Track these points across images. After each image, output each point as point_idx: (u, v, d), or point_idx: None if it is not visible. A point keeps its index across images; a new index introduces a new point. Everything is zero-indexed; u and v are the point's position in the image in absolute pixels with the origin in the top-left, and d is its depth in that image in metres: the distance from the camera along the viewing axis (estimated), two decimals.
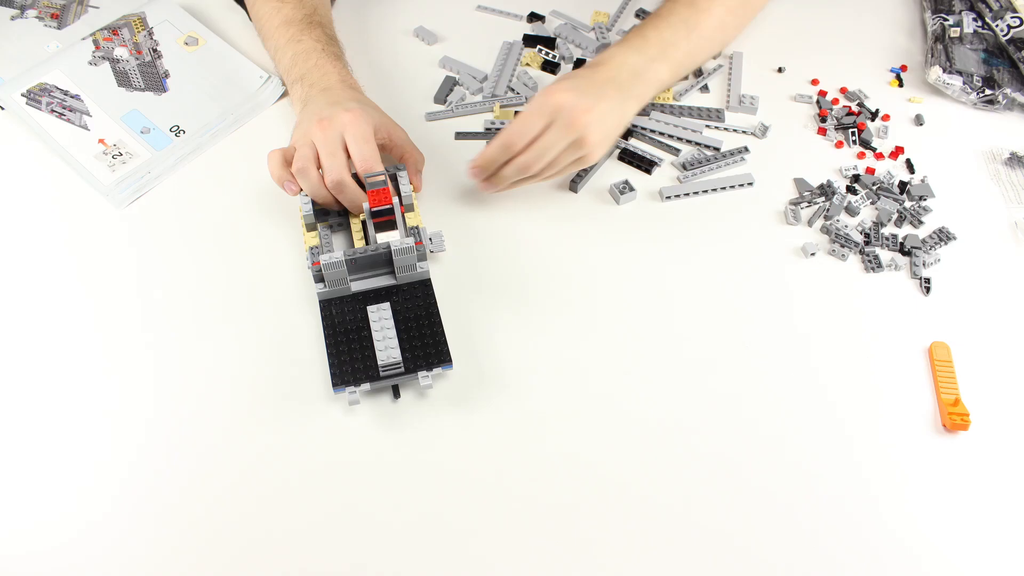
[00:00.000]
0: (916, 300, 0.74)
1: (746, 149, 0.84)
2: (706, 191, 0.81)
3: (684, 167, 0.83)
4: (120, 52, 0.88)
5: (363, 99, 0.78)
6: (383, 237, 0.71)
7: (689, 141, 0.85)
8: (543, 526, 0.61)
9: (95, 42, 0.89)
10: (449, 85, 0.90)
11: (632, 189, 0.80)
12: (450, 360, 0.67)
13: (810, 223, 0.79)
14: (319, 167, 0.72)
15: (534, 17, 0.98)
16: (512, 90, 0.90)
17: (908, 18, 0.99)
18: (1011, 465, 0.65)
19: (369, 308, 0.69)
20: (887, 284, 0.75)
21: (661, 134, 0.86)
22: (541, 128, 0.71)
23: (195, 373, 0.69)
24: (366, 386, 0.66)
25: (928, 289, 0.74)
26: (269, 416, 0.66)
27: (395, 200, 0.71)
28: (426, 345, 0.67)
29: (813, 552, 0.60)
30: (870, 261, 0.76)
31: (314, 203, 0.73)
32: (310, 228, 0.74)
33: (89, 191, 0.81)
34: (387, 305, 0.69)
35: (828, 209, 0.79)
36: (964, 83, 0.88)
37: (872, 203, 0.80)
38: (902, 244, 0.77)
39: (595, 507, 0.62)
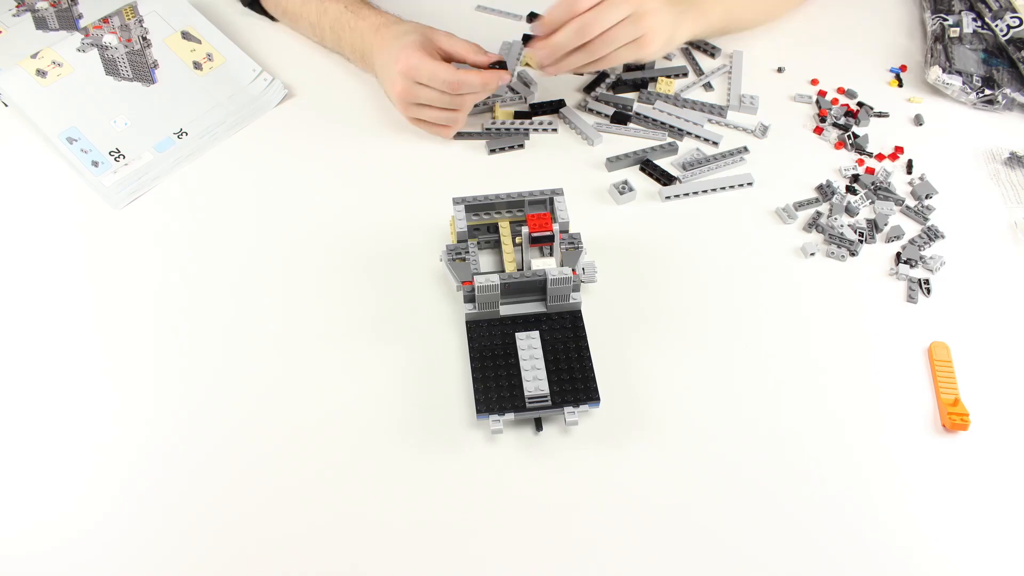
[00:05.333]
0: (916, 300, 0.74)
1: (746, 149, 0.84)
2: (706, 191, 0.81)
3: (684, 167, 0.83)
4: (109, 39, 0.88)
5: (399, 32, 0.81)
6: (537, 263, 0.70)
7: (689, 133, 0.86)
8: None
9: (85, 30, 0.89)
10: None
11: (632, 189, 0.80)
12: (598, 398, 0.65)
13: (809, 223, 0.79)
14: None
15: (534, 17, 0.98)
16: (512, 90, 0.90)
17: (908, 18, 0.99)
18: (1011, 465, 0.65)
19: (518, 335, 0.67)
20: (887, 284, 0.75)
21: (663, 124, 0.86)
22: None
23: (195, 373, 0.69)
24: (510, 416, 0.64)
25: (928, 289, 0.74)
26: (274, 417, 0.67)
27: (555, 227, 0.70)
28: (574, 380, 0.65)
29: (813, 552, 0.61)
30: (870, 261, 0.76)
31: (467, 217, 0.72)
32: (460, 241, 0.71)
33: (86, 190, 0.81)
34: (536, 334, 0.68)
35: (829, 209, 0.80)
36: (964, 83, 0.88)
37: (871, 203, 0.80)
38: (902, 244, 0.77)
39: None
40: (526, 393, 0.64)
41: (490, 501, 0.63)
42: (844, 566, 0.60)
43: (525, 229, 0.70)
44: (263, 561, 0.60)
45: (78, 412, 0.67)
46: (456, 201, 0.72)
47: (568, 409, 0.64)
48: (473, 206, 0.73)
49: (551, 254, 0.72)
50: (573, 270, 0.69)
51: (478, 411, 0.64)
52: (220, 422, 0.66)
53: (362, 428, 0.66)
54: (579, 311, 0.70)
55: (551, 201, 0.73)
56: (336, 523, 0.61)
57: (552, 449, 0.65)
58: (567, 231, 0.72)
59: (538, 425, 0.66)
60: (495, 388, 0.65)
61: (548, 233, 0.70)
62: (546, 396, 0.64)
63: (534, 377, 0.65)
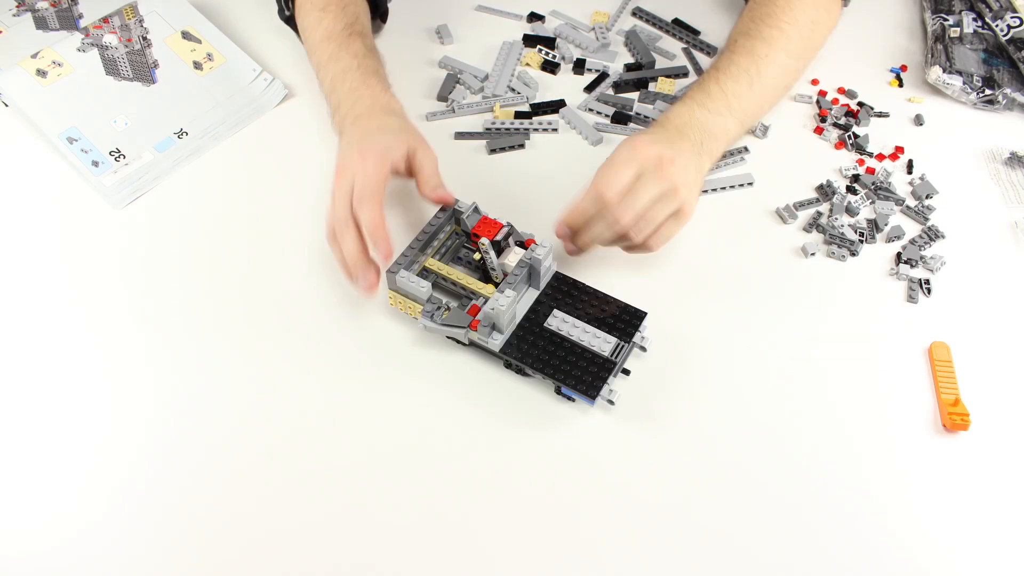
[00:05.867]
0: (916, 300, 0.74)
1: (746, 149, 0.84)
2: (706, 191, 0.81)
3: None
4: (109, 39, 0.88)
5: (388, 124, 0.74)
6: (510, 259, 0.70)
7: None
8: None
9: (85, 29, 0.89)
10: (452, 82, 0.90)
11: None
12: (644, 314, 0.68)
13: (809, 223, 0.79)
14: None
15: (534, 17, 0.98)
16: (512, 90, 0.90)
17: (908, 18, 0.99)
18: (1011, 465, 0.65)
19: (546, 324, 0.67)
20: (887, 284, 0.75)
21: None
22: (631, 177, 0.66)
23: (193, 373, 0.69)
24: (611, 381, 0.65)
25: (928, 290, 0.74)
26: (270, 416, 0.67)
27: (503, 223, 0.70)
28: (618, 319, 0.67)
29: (813, 551, 0.60)
30: (870, 261, 0.76)
31: (420, 280, 0.68)
32: (430, 302, 0.69)
33: (86, 190, 0.81)
34: (557, 312, 0.68)
35: (830, 209, 0.79)
36: (964, 83, 0.88)
37: (871, 203, 0.80)
38: (902, 244, 0.77)
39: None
40: (604, 354, 0.65)
41: (493, 499, 0.63)
42: (845, 565, 0.60)
43: (484, 241, 0.69)
44: (260, 559, 0.60)
45: (77, 411, 0.67)
46: (391, 270, 0.68)
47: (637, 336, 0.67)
48: (418, 272, 0.70)
49: (500, 253, 0.71)
50: (529, 239, 0.70)
51: (591, 397, 0.64)
52: (218, 421, 0.66)
53: (358, 428, 0.66)
54: (558, 273, 0.71)
55: (454, 213, 0.72)
56: (333, 521, 0.61)
57: (552, 447, 0.65)
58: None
59: (626, 372, 0.68)
60: (578, 374, 0.65)
61: (506, 229, 0.70)
62: (618, 344, 0.66)
63: (596, 337, 0.66)
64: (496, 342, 0.66)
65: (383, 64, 0.81)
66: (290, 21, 0.90)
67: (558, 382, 0.65)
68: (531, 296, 0.70)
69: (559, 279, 0.71)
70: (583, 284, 0.70)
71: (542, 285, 0.70)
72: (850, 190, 0.81)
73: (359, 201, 0.67)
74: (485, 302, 0.67)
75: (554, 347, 0.66)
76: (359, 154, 0.70)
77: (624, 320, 0.68)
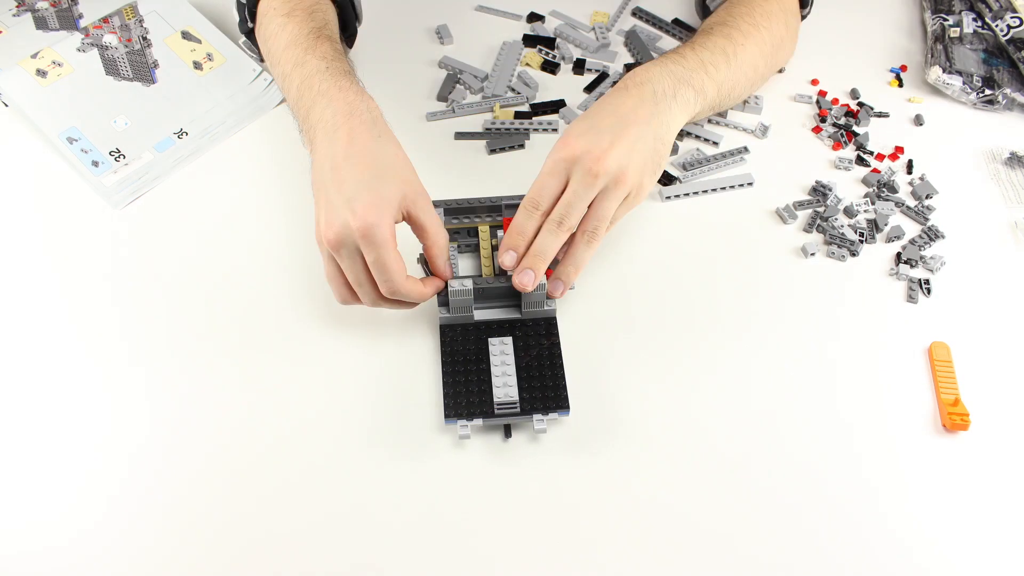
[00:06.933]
0: (916, 300, 0.74)
1: (746, 149, 0.84)
2: (706, 191, 0.81)
3: (684, 167, 0.83)
4: (109, 39, 0.88)
5: (375, 155, 0.64)
6: None
7: (689, 133, 0.86)
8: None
9: (85, 29, 0.89)
10: (451, 82, 0.90)
11: None
12: (568, 406, 0.64)
13: (809, 224, 0.79)
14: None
15: (534, 17, 0.98)
16: (512, 90, 0.90)
17: (908, 18, 0.99)
18: (1011, 465, 0.65)
19: (491, 340, 0.67)
20: (887, 284, 0.75)
21: None
22: (559, 186, 0.65)
23: (190, 375, 0.69)
24: (478, 421, 0.64)
25: (928, 290, 0.74)
26: (259, 420, 0.67)
27: None
28: (545, 387, 0.65)
29: (813, 551, 0.61)
30: (870, 261, 0.76)
31: (446, 220, 0.70)
32: None
33: (86, 190, 0.81)
34: (509, 340, 0.67)
35: (826, 209, 0.80)
36: (964, 83, 0.88)
37: (872, 203, 0.80)
38: (902, 244, 0.77)
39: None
40: (495, 399, 0.64)
41: (456, 507, 0.62)
42: (844, 566, 0.60)
43: (501, 233, 0.69)
44: (261, 560, 0.60)
45: (76, 412, 0.67)
46: (435, 205, 0.71)
47: (537, 416, 0.64)
48: (452, 209, 0.72)
49: None
50: (549, 269, 0.68)
51: (446, 416, 0.64)
52: (217, 423, 0.66)
53: (334, 432, 0.66)
54: (554, 318, 0.69)
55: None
56: (305, 528, 0.61)
57: (520, 456, 0.65)
58: None
59: (507, 432, 0.65)
60: (464, 393, 0.65)
61: None
62: (515, 403, 0.64)
63: (504, 384, 0.65)
64: (443, 314, 0.68)
65: (354, 69, 0.74)
66: (251, 35, 0.83)
67: (445, 383, 0.65)
68: (510, 312, 0.70)
69: (548, 324, 0.69)
70: (558, 347, 0.68)
71: (524, 310, 0.69)
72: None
73: (390, 289, 0.62)
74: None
75: (476, 358, 0.66)
76: (352, 213, 0.60)
77: (547, 396, 0.65)
